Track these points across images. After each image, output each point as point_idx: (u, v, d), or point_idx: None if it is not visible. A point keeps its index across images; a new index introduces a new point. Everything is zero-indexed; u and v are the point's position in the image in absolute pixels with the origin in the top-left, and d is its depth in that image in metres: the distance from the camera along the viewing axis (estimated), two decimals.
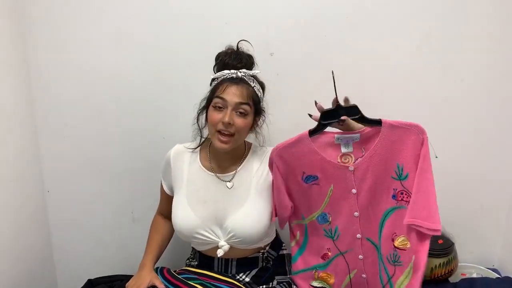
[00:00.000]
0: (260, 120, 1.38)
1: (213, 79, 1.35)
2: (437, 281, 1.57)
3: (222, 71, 1.30)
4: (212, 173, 1.39)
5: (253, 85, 1.31)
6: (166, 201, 1.48)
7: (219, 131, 1.27)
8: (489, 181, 1.69)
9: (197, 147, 1.43)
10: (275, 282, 1.42)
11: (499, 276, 1.66)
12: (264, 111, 1.38)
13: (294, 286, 1.45)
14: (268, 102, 1.64)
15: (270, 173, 1.34)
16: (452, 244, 1.60)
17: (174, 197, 1.43)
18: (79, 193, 1.86)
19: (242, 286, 1.33)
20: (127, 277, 1.72)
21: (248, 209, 1.33)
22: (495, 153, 1.65)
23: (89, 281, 1.68)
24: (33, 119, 1.75)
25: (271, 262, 1.45)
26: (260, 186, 1.36)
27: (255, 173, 1.38)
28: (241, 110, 1.27)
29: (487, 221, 1.74)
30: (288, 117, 1.66)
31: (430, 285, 1.56)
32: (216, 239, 1.34)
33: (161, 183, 1.51)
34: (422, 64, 1.58)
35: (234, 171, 1.38)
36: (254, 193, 1.35)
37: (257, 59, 1.58)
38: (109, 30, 1.65)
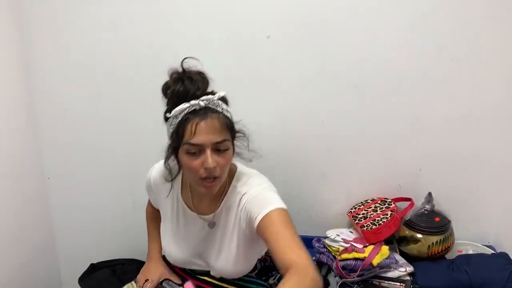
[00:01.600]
0: (240, 141, 1.20)
1: (168, 117, 1.12)
2: (434, 258, 1.60)
3: (180, 106, 1.07)
4: (193, 212, 1.28)
5: (221, 110, 1.10)
6: (155, 203, 1.44)
7: (203, 178, 1.10)
8: (485, 160, 1.70)
9: (172, 179, 1.26)
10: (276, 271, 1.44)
11: (494, 252, 1.69)
12: (240, 132, 1.19)
13: None
14: (266, 84, 1.65)
15: (243, 214, 1.18)
16: (449, 221, 1.62)
17: (161, 223, 1.37)
18: (79, 179, 1.87)
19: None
20: (129, 261, 1.76)
21: (228, 254, 1.23)
22: (491, 132, 1.66)
23: (92, 265, 1.70)
24: (32, 106, 1.75)
25: (269, 260, 1.45)
26: (238, 227, 1.21)
27: (235, 213, 1.22)
28: (220, 148, 1.09)
29: (483, 199, 1.76)
30: (285, 100, 1.66)
31: (428, 262, 1.59)
32: (206, 269, 1.33)
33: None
34: (416, 43, 1.57)
35: (213, 213, 1.25)
36: (234, 236, 1.22)
37: (253, 42, 1.58)
38: (106, 17, 1.64)
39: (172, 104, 1.10)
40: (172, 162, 1.19)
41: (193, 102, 1.06)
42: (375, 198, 1.77)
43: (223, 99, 1.15)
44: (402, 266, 1.55)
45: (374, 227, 1.59)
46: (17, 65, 1.66)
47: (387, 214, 1.62)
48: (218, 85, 1.63)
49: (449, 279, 1.48)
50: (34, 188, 1.83)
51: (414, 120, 1.66)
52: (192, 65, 1.13)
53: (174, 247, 1.31)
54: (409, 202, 1.71)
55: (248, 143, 1.21)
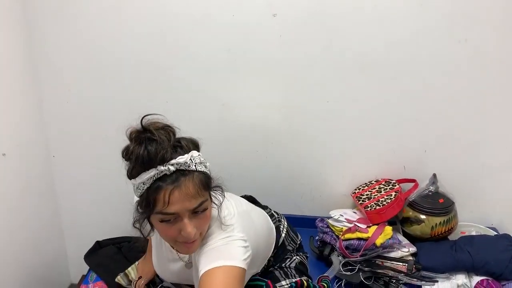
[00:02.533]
0: (216, 195, 1.07)
1: (139, 183, 0.97)
2: (437, 239, 1.61)
3: (147, 172, 0.93)
4: (172, 250, 1.20)
5: (194, 169, 0.96)
6: None
7: (182, 242, 1.01)
8: (490, 142, 1.69)
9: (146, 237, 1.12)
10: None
11: (497, 234, 1.69)
12: (217, 187, 1.06)
13: (293, 254, 1.46)
14: (271, 64, 1.64)
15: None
16: (453, 203, 1.63)
17: (152, 241, 1.32)
18: (84, 157, 1.88)
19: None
20: (135, 239, 1.77)
21: None
22: (497, 114, 1.65)
23: (97, 242, 1.72)
24: (36, 85, 1.74)
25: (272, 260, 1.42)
26: None
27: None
28: (199, 210, 0.98)
29: (487, 182, 1.76)
30: (290, 80, 1.65)
31: (430, 242, 1.60)
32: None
33: None
34: (424, 24, 1.55)
35: (190, 255, 1.16)
36: None
37: (259, 20, 1.56)
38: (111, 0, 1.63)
39: (136, 170, 0.96)
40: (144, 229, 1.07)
41: (161, 168, 0.92)
42: (380, 179, 1.78)
43: (196, 147, 1.02)
44: (405, 247, 1.56)
45: (377, 207, 1.60)
46: (22, 47, 1.65)
47: (391, 195, 1.63)
48: (224, 65, 1.63)
49: (451, 260, 1.49)
50: (39, 166, 1.84)
51: (420, 101, 1.65)
52: (154, 118, 1.00)
53: (160, 271, 1.30)
54: (413, 183, 1.71)
55: (223, 199, 1.09)
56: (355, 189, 1.80)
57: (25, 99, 1.71)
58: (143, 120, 0.97)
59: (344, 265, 1.52)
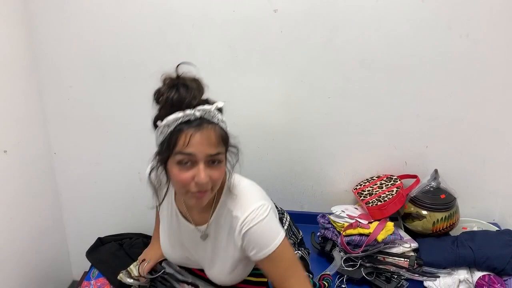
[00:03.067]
0: (232, 157, 1.11)
1: (163, 126, 1.01)
2: (439, 235, 1.61)
3: (174, 115, 0.98)
4: (187, 221, 1.21)
5: (217, 121, 1.02)
6: None
7: (192, 192, 1.03)
8: (492, 137, 1.69)
9: (161, 202, 1.21)
10: None
11: (499, 229, 1.69)
12: (234, 147, 1.10)
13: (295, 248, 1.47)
14: (272, 59, 1.64)
15: (237, 241, 1.11)
16: (454, 199, 1.62)
17: (160, 221, 1.32)
18: (86, 154, 1.88)
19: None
20: (136, 235, 1.78)
21: (221, 268, 1.18)
22: (499, 109, 1.65)
23: (99, 239, 1.73)
24: (37, 82, 1.75)
25: None
26: (229, 247, 1.15)
27: (227, 232, 1.15)
28: (214, 160, 1.01)
29: (489, 177, 1.76)
30: (291, 75, 1.65)
31: (432, 238, 1.60)
32: (202, 273, 1.29)
33: None
34: (426, 19, 1.55)
35: (206, 224, 1.18)
36: (226, 253, 1.17)
37: (260, 16, 1.56)
38: None
39: (164, 112, 1.01)
40: (161, 173, 1.10)
41: (188, 111, 0.98)
42: (381, 175, 1.77)
43: (219, 109, 1.06)
44: (406, 242, 1.56)
45: (379, 203, 1.60)
46: (23, 44, 1.65)
47: (392, 191, 1.63)
48: (225, 61, 1.63)
49: (453, 255, 1.49)
50: (41, 163, 1.84)
51: (421, 97, 1.65)
52: (187, 70, 1.03)
53: (170, 249, 1.28)
54: (415, 179, 1.71)
55: (238, 159, 1.12)
56: (357, 185, 1.80)
57: (26, 96, 1.71)
58: (178, 67, 1.02)
59: (346, 261, 1.52)
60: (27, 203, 1.76)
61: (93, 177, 1.93)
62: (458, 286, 1.45)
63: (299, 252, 1.44)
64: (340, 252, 1.56)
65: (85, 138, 1.84)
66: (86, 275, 1.66)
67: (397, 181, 1.69)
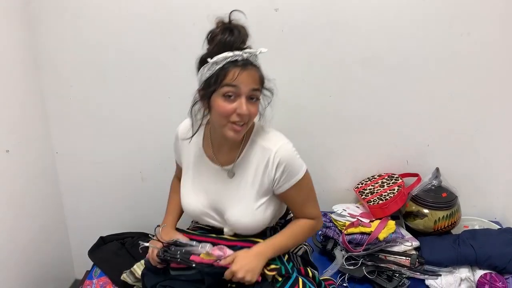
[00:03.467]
0: (265, 100, 1.25)
1: (212, 63, 1.14)
2: (440, 233, 1.61)
3: (224, 54, 1.12)
4: (213, 163, 1.31)
5: (258, 65, 1.18)
6: (179, 169, 1.47)
7: (233, 122, 1.16)
8: (493, 136, 1.69)
9: (194, 134, 1.29)
10: None
11: (500, 227, 1.69)
12: (269, 90, 1.25)
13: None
14: (273, 59, 1.63)
15: (269, 172, 1.24)
16: (456, 197, 1.62)
17: (182, 176, 1.39)
18: (88, 154, 1.88)
19: (256, 239, 1.32)
20: (138, 234, 1.78)
21: (245, 206, 1.27)
22: (500, 108, 1.65)
23: (101, 238, 1.73)
24: (39, 82, 1.75)
25: (278, 229, 1.42)
26: (258, 183, 1.26)
27: (255, 168, 1.26)
28: (253, 96, 1.16)
29: (490, 175, 1.76)
30: (292, 75, 1.65)
31: (433, 236, 1.60)
32: (220, 225, 1.34)
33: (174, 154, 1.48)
34: (427, 18, 1.55)
35: (233, 164, 1.28)
36: (252, 189, 1.26)
37: (261, 14, 1.56)
38: None
39: (215, 51, 1.14)
40: (198, 111, 1.25)
41: (237, 52, 1.12)
42: (382, 174, 1.78)
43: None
44: (408, 241, 1.56)
45: (380, 202, 1.60)
46: (24, 45, 1.66)
47: (394, 189, 1.63)
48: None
49: (454, 254, 1.49)
50: (43, 163, 1.84)
51: (423, 95, 1.65)
52: (237, 18, 1.16)
53: (193, 196, 1.34)
54: (416, 178, 1.71)
55: (270, 102, 1.27)
56: (358, 184, 1.80)
57: (28, 96, 1.72)
58: (231, 14, 1.15)
59: (347, 259, 1.52)
60: (29, 203, 1.76)
61: (95, 176, 1.93)
62: (459, 284, 1.45)
63: (304, 246, 1.45)
64: (341, 250, 1.56)
65: (87, 138, 1.85)
66: (88, 274, 1.66)
67: (398, 180, 1.69)
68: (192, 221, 1.56)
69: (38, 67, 1.73)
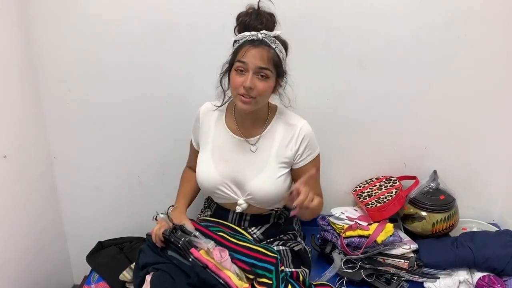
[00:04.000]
0: (283, 82, 1.36)
1: (235, 41, 1.31)
2: (438, 236, 1.61)
3: (243, 33, 1.26)
4: (236, 135, 1.41)
5: (274, 47, 1.26)
6: (195, 155, 1.51)
7: (241, 94, 1.27)
8: (490, 138, 1.70)
9: (221, 105, 1.44)
10: (282, 235, 1.47)
11: (498, 229, 1.69)
12: (286, 73, 1.35)
13: (299, 238, 1.50)
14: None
15: (292, 146, 1.37)
16: (453, 200, 1.62)
17: (199, 153, 1.46)
18: (85, 158, 1.88)
19: (260, 247, 1.34)
20: (136, 239, 1.78)
21: (267, 176, 1.36)
22: (497, 110, 1.65)
23: (99, 243, 1.73)
24: (36, 86, 1.75)
25: (282, 219, 1.49)
26: (281, 155, 1.38)
27: (279, 142, 1.39)
28: (262, 74, 1.25)
29: (488, 178, 1.76)
30: (288, 78, 1.65)
31: (431, 239, 1.60)
32: (235, 196, 1.40)
33: (191, 138, 1.54)
34: (423, 20, 1.55)
35: (258, 136, 1.40)
36: (275, 161, 1.37)
37: None
38: None
39: (238, 30, 1.30)
40: (224, 84, 1.37)
41: (253, 32, 1.25)
42: (380, 177, 1.78)
43: (284, 44, 1.32)
44: (406, 244, 1.56)
45: (378, 205, 1.60)
46: (21, 49, 1.65)
47: (391, 192, 1.63)
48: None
49: (453, 256, 1.49)
50: (40, 168, 1.84)
51: (420, 98, 1.65)
52: (267, 6, 1.30)
53: (212, 167, 1.40)
54: (414, 180, 1.71)
55: (285, 86, 1.38)
56: (356, 187, 1.80)
57: (25, 101, 1.71)
58: (260, 2, 1.29)
59: (346, 262, 1.52)
60: (27, 208, 1.76)
61: (93, 181, 1.93)
62: (458, 287, 1.45)
63: (301, 244, 1.47)
64: (340, 254, 1.56)
65: (85, 142, 1.85)
66: (86, 279, 1.67)
67: (396, 183, 1.69)
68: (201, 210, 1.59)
69: (36, 72, 1.73)
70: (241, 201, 1.39)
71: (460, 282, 1.46)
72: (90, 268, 1.68)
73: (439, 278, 1.47)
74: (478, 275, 1.46)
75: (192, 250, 1.23)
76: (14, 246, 1.70)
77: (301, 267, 1.40)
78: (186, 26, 1.62)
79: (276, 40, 1.28)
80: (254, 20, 1.26)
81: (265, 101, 1.35)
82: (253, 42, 1.24)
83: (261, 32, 1.25)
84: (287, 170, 1.39)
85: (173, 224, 1.30)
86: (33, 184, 1.79)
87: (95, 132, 1.83)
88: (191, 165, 1.57)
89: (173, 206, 1.41)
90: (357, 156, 1.78)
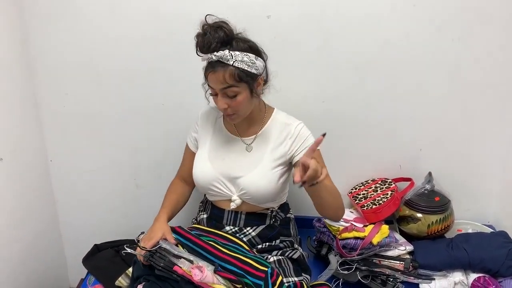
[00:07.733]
0: (261, 82, 1.34)
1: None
2: (434, 237, 1.62)
3: (201, 56, 1.26)
4: (234, 135, 1.44)
5: (231, 63, 1.22)
6: (189, 161, 1.50)
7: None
8: (485, 140, 1.70)
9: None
10: (278, 241, 1.46)
11: (494, 231, 1.70)
12: (261, 73, 1.31)
13: (296, 245, 1.49)
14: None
15: (287, 142, 1.39)
16: (449, 201, 1.63)
17: (197, 152, 1.48)
18: (82, 161, 1.88)
19: (252, 251, 1.36)
20: (132, 242, 1.77)
21: (260, 171, 1.37)
22: (491, 111, 1.66)
23: (95, 246, 1.72)
24: (33, 90, 1.75)
25: (278, 222, 1.49)
26: (276, 152, 1.39)
27: (275, 140, 1.41)
28: (228, 92, 1.26)
29: (483, 179, 1.77)
30: (285, 81, 1.65)
31: (427, 241, 1.61)
32: (229, 193, 1.41)
33: (187, 143, 1.54)
34: (417, 23, 1.56)
35: (254, 136, 1.42)
36: (269, 158, 1.39)
37: (253, 22, 1.57)
38: (105, 1, 1.63)
39: (197, 51, 1.27)
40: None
41: (208, 55, 1.23)
42: (376, 179, 1.78)
43: (247, 46, 1.27)
44: (401, 245, 1.57)
45: (374, 206, 1.61)
46: (19, 52, 1.66)
47: (387, 194, 1.64)
48: None
49: (448, 257, 1.50)
50: (37, 171, 1.84)
51: (415, 100, 1.66)
52: (219, 18, 1.25)
53: (208, 163, 1.43)
54: (409, 182, 1.72)
55: (267, 83, 1.39)
56: (352, 189, 1.81)
57: (22, 104, 1.71)
58: (206, 17, 1.24)
59: (342, 264, 1.53)
60: (23, 211, 1.75)
61: (89, 184, 1.93)
62: None
63: (299, 251, 1.46)
64: (335, 255, 1.57)
65: (81, 145, 1.85)
66: (82, 282, 1.66)
67: (391, 184, 1.70)
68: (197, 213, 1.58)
69: (32, 75, 1.73)
70: (235, 197, 1.40)
71: (455, 283, 1.46)
72: (86, 271, 1.67)
73: (434, 279, 1.48)
74: (473, 276, 1.47)
75: (176, 268, 1.21)
76: (10, 249, 1.69)
77: (303, 274, 1.38)
78: (182, 30, 1.63)
79: (233, 53, 1.22)
80: (206, 42, 1.21)
81: (248, 109, 1.35)
82: (211, 65, 1.24)
83: (214, 54, 1.21)
84: (283, 168, 1.41)
85: (146, 250, 1.26)
86: (29, 186, 1.79)
87: (92, 135, 1.83)
88: (182, 175, 1.57)
89: (143, 233, 1.39)
90: (353, 158, 1.79)
